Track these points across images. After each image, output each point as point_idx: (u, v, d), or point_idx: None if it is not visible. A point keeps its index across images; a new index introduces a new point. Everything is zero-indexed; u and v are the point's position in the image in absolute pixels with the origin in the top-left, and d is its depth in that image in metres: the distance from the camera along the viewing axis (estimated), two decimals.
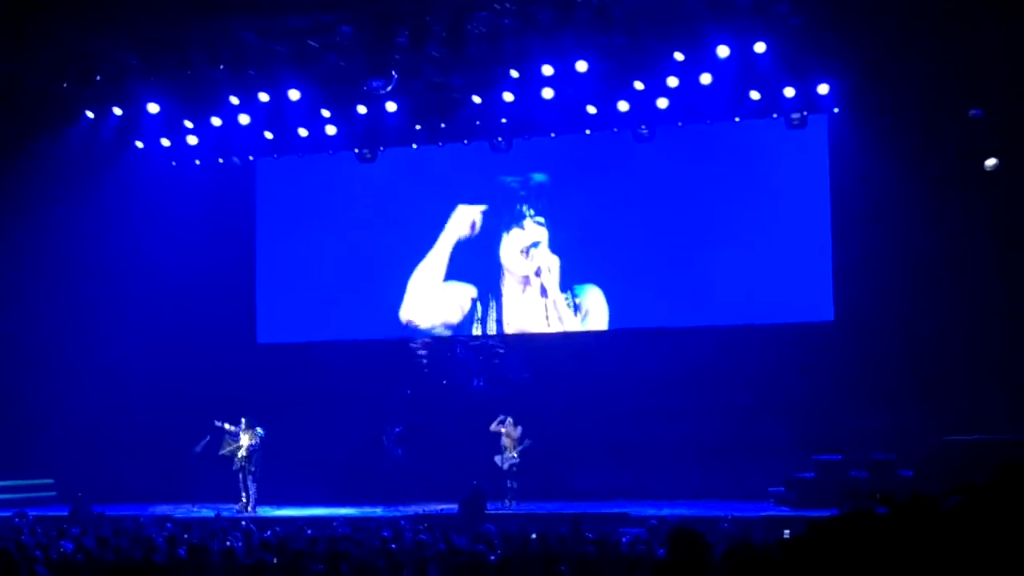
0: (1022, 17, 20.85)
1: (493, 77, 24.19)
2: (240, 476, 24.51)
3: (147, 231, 28.64)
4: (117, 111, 25.90)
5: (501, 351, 27.52)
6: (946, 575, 5.55)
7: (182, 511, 23.95)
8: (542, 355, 27.04)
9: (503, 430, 24.68)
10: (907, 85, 23.14)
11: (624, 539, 15.44)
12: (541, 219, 27.03)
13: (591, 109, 25.01)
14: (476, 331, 27.46)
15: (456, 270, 27.53)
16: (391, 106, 25.01)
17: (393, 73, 23.78)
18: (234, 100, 25.08)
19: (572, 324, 26.79)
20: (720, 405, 25.18)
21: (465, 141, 26.57)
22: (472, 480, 23.11)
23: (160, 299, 28.53)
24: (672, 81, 23.63)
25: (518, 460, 24.43)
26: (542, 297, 26.92)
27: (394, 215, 27.77)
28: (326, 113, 25.74)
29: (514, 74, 23.85)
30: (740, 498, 23.00)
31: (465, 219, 27.46)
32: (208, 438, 24.92)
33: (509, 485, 24.31)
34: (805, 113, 24.30)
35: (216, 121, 25.92)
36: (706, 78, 23.37)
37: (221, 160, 27.74)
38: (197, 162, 27.91)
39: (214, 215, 28.67)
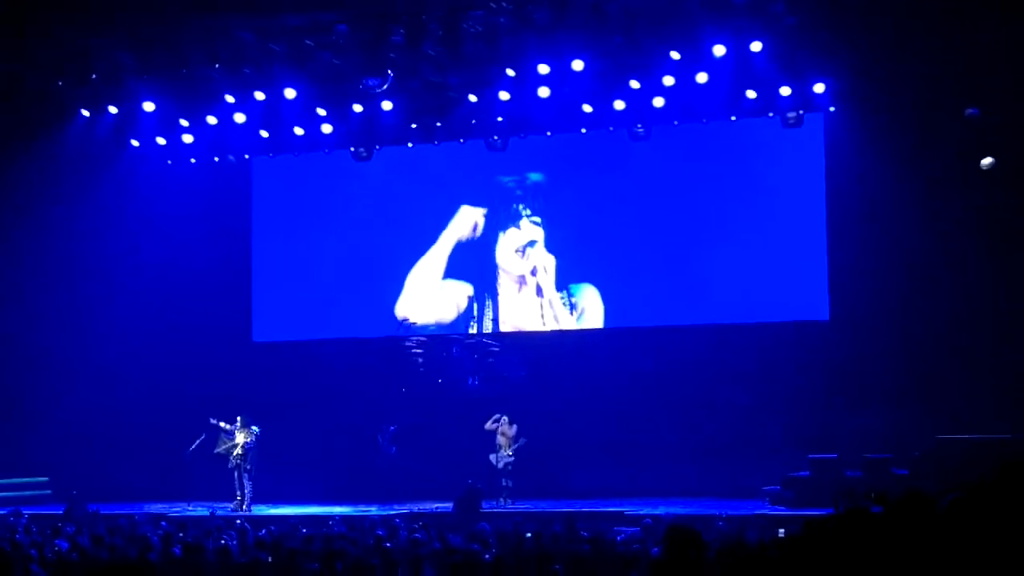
0: (1019, 16, 20.86)
1: (489, 76, 24.17)
2: (235, 474, 24.49)
3: (143, 230, 28.62)
4: (113, 110, 25.87)
5: (496, 350, 27.54)
6: (941, 573, 5.56)
7: (177, 510, 23.95)
8: (538, 354, 27.05)
9: (498, 428, 24.70)
10: (903, 84, 23.14)
11: (619, 538, 15.45)
12: (537, 219, 27.03)
13: (587, 108, 25.00)
14: (472, 330, 27.47)
15: (453, 269, 27.53)
16: (387, 105, 24.98)
17: (389, 72, 23.80)
18: (230, 99, 25.06)
19: (568, 323, 26.80)
20: (715, 404, 25.20)
21: (461, 140, 26.52)
22: (467, 479, 23.12)
23: (155, 297, 28.53)
24: (668, 80, 23.63)
25: (513, 459, 24.45)
26: (538, 296, 26.93)
27: (389, 214, 27.77)
28: (322, 112, 25.71)
29: (510, 73, 23.85)
30: (735, 497, 23.00)
31: (468, 220, 27.45)
32: (203, 436, 24.88)
33: (504, 484, 24.33)
34: (801, 112, 24.28)
35: (212, 120, 25.88)
36: (702, 77, 23.35)
37: (217, 159, 27.72)
38: (193, 161, 27.87)
39: (210, 214, 28.67)
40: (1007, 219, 23.21)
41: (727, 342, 25.44)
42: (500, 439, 24.61)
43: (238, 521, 19.45)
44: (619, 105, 24.62)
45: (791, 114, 24.32)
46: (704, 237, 25.80)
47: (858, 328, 24.35)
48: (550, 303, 26.82)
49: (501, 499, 24.10)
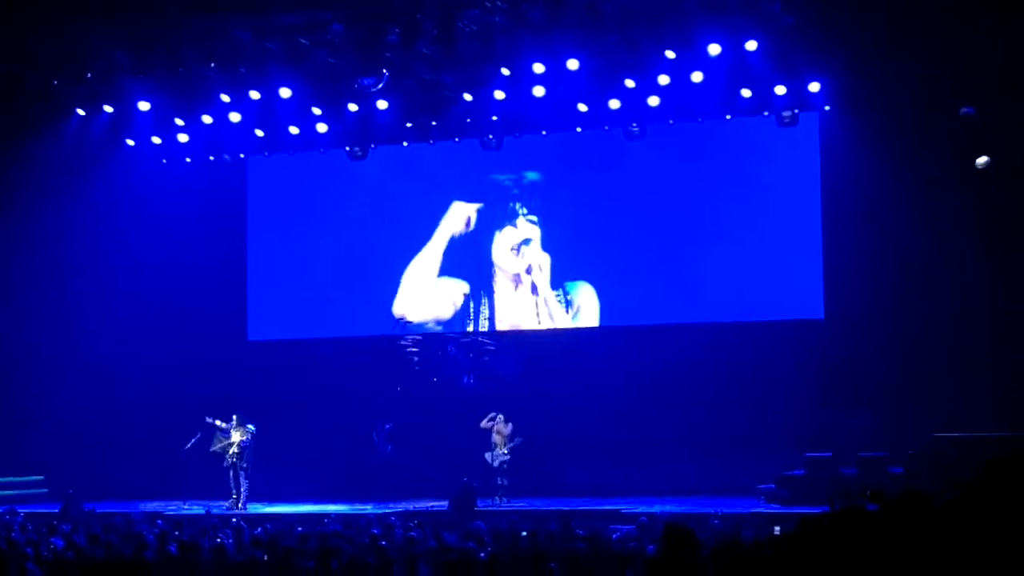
0: (1014, 15, 20.88)
1: (484, 75, 24.17)
2: (231, 473, 24.49)
3: (138, 229, 28.60)
4: (108, 109, 25.81)
5: (492, 348, 27.55)
6: (935, 570, 5.57)
7: (172, 508, 23.95)
8: (533, 352, 27.08)
9: (494, 427, 24.71)
10: (898, 83, 23.14)
11: (614, 536, 15.46)
12: (534, 217, 27.05)
13: (582, 107, 25.00)
14: (469, 328, 27.47)
15: (449, 267, 27.55)
16: (382, 104, 24.96)
17: (384, 71, 23.80)
18: (225, 98, 25.05)
19: (563, 321, 26.81)
20: (710, 402, 25.19)
21: (456, 139, 26.49)
22: (462, 477, 23.12)
23: (151, 296, 28.52)
24: (663, 79, 23.62)
25: (508, 457, 24.45)
26: (533, 295, 26.94)
27: (385, 213, 27.79)
28: (317, 111, 25.69)
29: (505, 72, 23.85)
30: (731, 495, 23.03)
31: (460, 216, 27.47)
32: (199, 435, 24.87)
33: (499, 482, 24.33)
34: (796, 111, 24.27)
35: (207, 119, 25.85)
36: (697, 76, 23.35)
37: (212, 158, 27.68)
38: (188, 160, 27.85)
39: (205, 213, 28.66)
40: (1002, 218, 23.24)
41: (722, 341, 25.45)
42: (496, 437, 24.61)
43: (234, 519, 19.46)
44: (614, 104, 24.61)
45: (786, 113, 24.31)
46: (699, 236, 25.83)
47: (853, 327, 24.37)
48: (545, 301, 26.84)
49: (496, 497, 24.10)
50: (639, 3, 21.89)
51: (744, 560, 9.76)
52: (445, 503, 22.79)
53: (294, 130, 26.27)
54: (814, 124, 24.79)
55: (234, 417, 24.61)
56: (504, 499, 24.11)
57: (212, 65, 24.16)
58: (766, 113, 24.59)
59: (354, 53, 23.56)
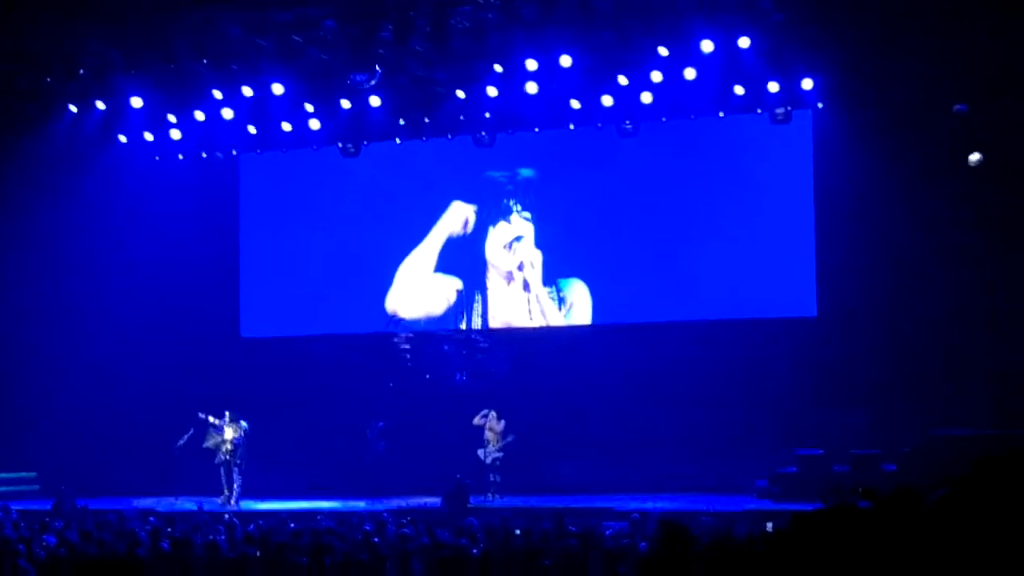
0: (1006, 12, 20.89)
1: (477, 72, 24.17)
2: (223, 469, 24.47)
3: (130, 226, 28.57)
4: (100, 105, 25.77)
5: (484, 345, 27.54)
6: (927, 567, 5.57)
7: (165, 504, 23.91)
8: (525, 349, 27.07)
9: (486, 424, 24.70)
10: (891, 80, 23.15)
11: (607, 532, 15.45)
12: (528, 214, 27.04)
13: (575, 104, 24.98)
14: (462, 325, 27.47)
15: (442, 264, 27.53)
16: (375, 100, 24.93)
17: (377, 67, 23.78)
18: (217, 94, 25.02)
19: (556, 319, 26.81)
20: (703, 399, 25.17)
21: (449, 136, 26.50)
22: (455, 474, 23.09)
23: (143, 293, 28.50)
24: (656, 76, 23.62)
25: (501, 454, 24.46)
26: (525, 292, 26.94)
27: (377, 210, 27.77)
28: (309, 107, 25.67)
29: (498, 68, 23.85)
30: (723, 492, 23.03)
31: (459, 216, 27.44)
32: (192, 431, 24.84)
33: (492, 479, 24.34)
34: (789, 108, 24.30)
35: (199, 115, 25.83)
36: (690, 73, 23.35)
37: (204, 155, 27.68)
38: (180, 156, 27.83)
39: (198, 210, 28.64)
40: (995, 215, 23.23)
41: (715, 338, 25.46)
42: (488, 434, 24.62)
43: (226, 516, 19.41)
44: (607, 101, 24.60)
45: (779, 110, 24.34)
46: (692, 233, 25.83)
47: (846, 324, 24.39)
48: (537, 298, 26.84)
49: (489, 494, 24.10)
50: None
51: (736, 556, 9.75)
52: (438, 500, 22.76)
53: (287, 127, 26.24)
54: (807, 121, 24.81)
55: (227, 414, 24.57)
56: (497, 496, 24.12)
57: (204, 62, 24.13)
58: (759, 110, 24.62)
59: (347, 50, 23.52)
